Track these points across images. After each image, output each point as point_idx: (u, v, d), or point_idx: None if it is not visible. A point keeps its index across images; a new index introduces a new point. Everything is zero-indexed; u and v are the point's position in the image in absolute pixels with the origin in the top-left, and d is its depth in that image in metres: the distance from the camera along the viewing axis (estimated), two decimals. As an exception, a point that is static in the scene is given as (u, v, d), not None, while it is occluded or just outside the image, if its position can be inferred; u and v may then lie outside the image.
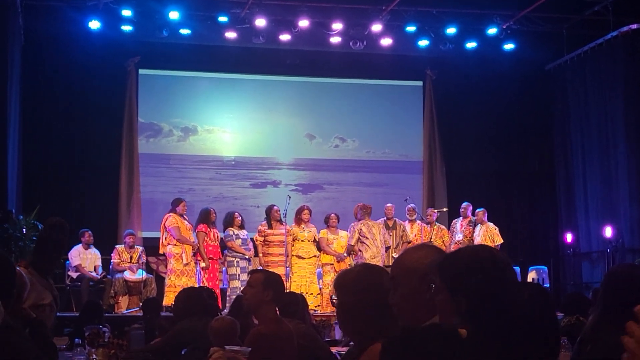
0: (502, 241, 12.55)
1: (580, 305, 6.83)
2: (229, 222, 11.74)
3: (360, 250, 11.99)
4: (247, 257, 11.58)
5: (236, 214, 11.91)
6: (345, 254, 12.01)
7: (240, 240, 11.63)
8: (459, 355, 1.90)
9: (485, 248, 2.44)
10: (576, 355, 3.44)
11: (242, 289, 10.93)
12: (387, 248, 12.26)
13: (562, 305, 7.15)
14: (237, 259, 11.56)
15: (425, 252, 2.65)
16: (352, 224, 12.22)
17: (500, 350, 2.01)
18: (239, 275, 11.48)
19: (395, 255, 12.33)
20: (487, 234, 12.53)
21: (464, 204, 13.03)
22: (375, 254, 11.84)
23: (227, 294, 11.51)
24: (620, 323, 3.21)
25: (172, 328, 5.75)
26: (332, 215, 12.35)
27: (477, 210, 12.80)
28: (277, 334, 4.69)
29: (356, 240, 12.01)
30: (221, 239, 11.80)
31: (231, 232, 11.62)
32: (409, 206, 12.91)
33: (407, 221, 12.85)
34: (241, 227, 11.78)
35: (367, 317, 2.89)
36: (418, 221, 12.88)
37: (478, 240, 12.42)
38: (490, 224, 12.72)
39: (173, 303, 7.08)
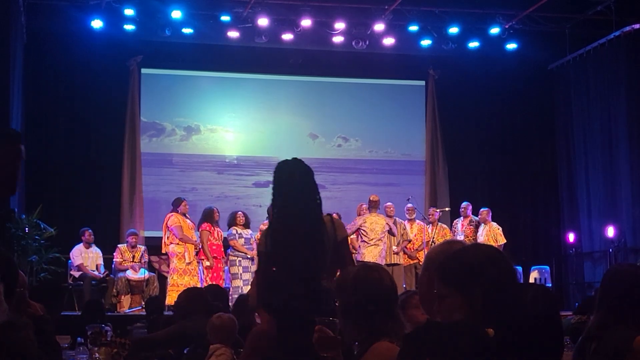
0: (505, 241, 12.54)
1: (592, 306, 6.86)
2: (232, 221, 11.77)
3: (360, 246, 11.96)
4: (249, 256, 11.58)
5: (240, 213, 11.92)
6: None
7: (243, 239, 11.64)
8: (487, 354, 1.88)
9: (487, 245, 2.44)
10: (578, 354, 3.44)
11: (243, 288, 10.99)
12: (401, 242, 12.33)
13: (580, 307, 7.20)
14: (239, 258, 11.57)
15: (449, 247, 2.63)
16: (356, 218, 12.19)
17: (512, 346, 2.01)
18: (240, 274, 11.48)
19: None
20: (491, 234, 12.52)
21: (464, 204, 13.03)
22: (373, 253, 11.76)
23: (230, 293, 11.51)
24: (626, 322, 3.21)
25: (175, 324, 5.74)
26: (334, 214, 12.32)
27: (481, 210, 12.79)
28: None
29: (353, 232, 11.93)
30: (224, 238, 11.81)
31: (234, 231, 11.64)
32: (408, 205, 12.90)
33: (406, 220, 12.85)
34: (245, 226, 11.79)
35: (369, 316, 2.89)
36: (418, 220, 12.87)
37: (481, 240, 12.40)
38: (494, 224, 12.70)
39: (175, 302, 7.08)
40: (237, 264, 11.55)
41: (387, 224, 11.97)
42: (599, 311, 3.43)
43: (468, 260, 2.24)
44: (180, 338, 5.37)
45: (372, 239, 11.76)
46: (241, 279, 11.39)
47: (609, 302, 3.34)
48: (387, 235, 12.14)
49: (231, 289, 11.51)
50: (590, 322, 3.49)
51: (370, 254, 11.69)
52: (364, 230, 11.81)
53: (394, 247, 12.30)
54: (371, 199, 12.13)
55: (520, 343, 2.04)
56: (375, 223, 11.86)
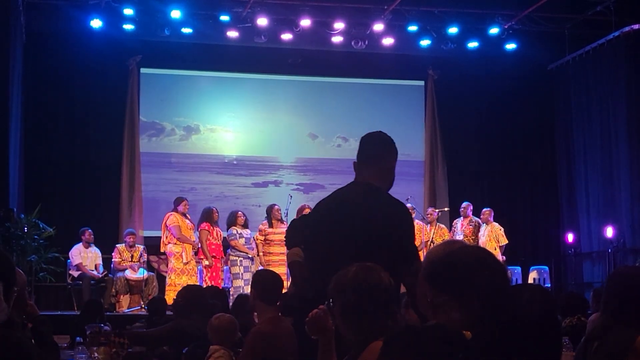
0: (507, 241, 12.54)
1: (578, 306, 6.84)
2: (232, 221, 11.77)
3: None
4: (250, 256, 11.58)
5: (239, 213, 11.92)
6: None
7: (243, 239, 11.65)
8: (463, 357, 1.88)
9: (475, 247, 2.44)
10: (581, 354, 3.44)
11: (244, 288, 10.99)
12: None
13: (559, 306, 7.15)
14: (240, 258, 11.57)
15: (449, 247, 2.63)
16: None
17: (508, 350, 2.01)
18: (242, 274, 11.49)
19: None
20: (492, 234, 12.51)
21: (464, 204, 13.03)
22: None
23: (231, 293, 11.51)
24: (628, 322, 3.22)
25: (172, 322, 5.73)
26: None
27: (483, 210, 12.78)
28: (275, 333, 4.70)
29: None
30: (224, 237, 11.82)
31: (234, 231, 11.64)
32: (407, 205, 12.88)
33: (408, 220, 12.83)
34: (244, 226, 11.80)
35: (368, 316, 2.89)
36: (417, 220, 12.86)
37: (483, 240, 12.40)
38: (496, 224, 12.69)
39: (174, 300, 7.08)
40: (238, 264, 11.55)
41: None
42: (603, 312, 3.44)
43: (459, 264, 2.23)
44: (176, 335, 5.36)
45: None
46: (242, 279, 11.39)
47: (613, 305, 3.35)
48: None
49: (232, 289, 11.51)
50: (594, 323, 3.49)
51: None
52: None
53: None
54: None
55: (518, 344, 2.04)
56: None
